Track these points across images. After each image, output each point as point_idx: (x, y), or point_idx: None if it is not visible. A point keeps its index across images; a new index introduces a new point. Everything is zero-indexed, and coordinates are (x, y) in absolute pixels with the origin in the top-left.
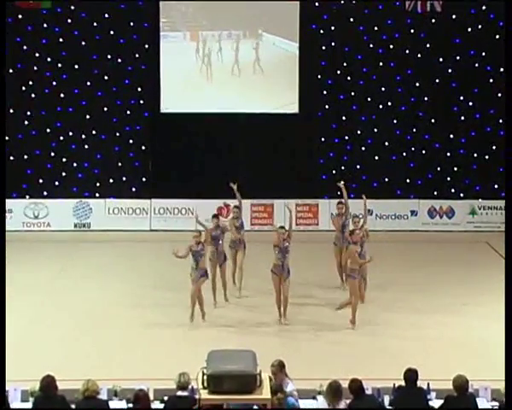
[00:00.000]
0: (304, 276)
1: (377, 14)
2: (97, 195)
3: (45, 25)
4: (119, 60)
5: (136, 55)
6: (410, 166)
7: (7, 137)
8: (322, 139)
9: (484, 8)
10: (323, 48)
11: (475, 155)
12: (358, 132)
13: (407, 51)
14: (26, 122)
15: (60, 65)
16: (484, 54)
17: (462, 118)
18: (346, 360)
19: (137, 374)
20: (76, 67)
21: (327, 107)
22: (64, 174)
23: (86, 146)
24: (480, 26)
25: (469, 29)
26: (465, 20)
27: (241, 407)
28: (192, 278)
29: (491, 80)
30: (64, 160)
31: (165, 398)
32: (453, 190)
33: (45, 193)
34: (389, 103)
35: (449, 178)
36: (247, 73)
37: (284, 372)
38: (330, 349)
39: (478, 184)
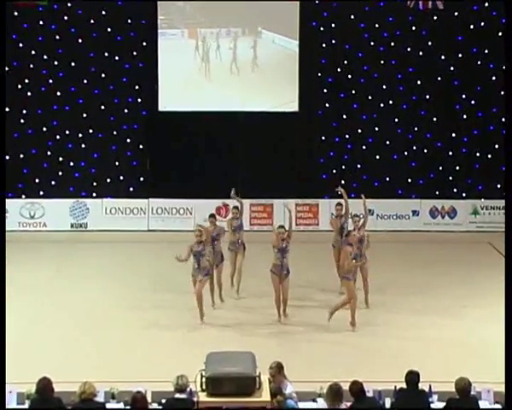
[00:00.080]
0: (304, 277)
1: (378, 12)
2: (94, 194)
3: (41, 22)
4: (117, 57)
5: (134, 53)
6: (412, 166)
7: None
8: (323, 138)
9: (486, 5)
10: (324, 45)
11: (478, 154)
12: (359, 131)
13: (408, 49)
14: (22, 121)
15: (56, 63)
16: (486, 51)
17: (465, 116)
18: (347, 362)
19: (135, 376)
20: (73, 64)
21: (327, 105)
22: (60, 174)
23: (83, 145)
24: (482, 24)
25: (472, 26)
26: (467, 18)
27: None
28: (195, 278)
29: (493, 78)
30: (60, 159)
31: (163, 401)
32: (455, 190)
33: (41, 193)
34: (390, 102)
35: (451, 178)
36: (246, 71)
37: (283, 374)
38: (330, 351)
39: (480, 183)
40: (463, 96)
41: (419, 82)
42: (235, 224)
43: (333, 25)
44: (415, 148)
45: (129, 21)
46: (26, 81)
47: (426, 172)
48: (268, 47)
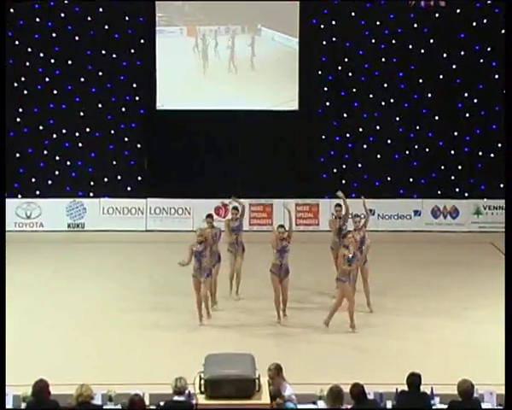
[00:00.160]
0: (303, 277)
1: (379, 9)
2: (91, 194)
3: (38, 19)
4: (114, 55)
5: (132, 51)
6: (414, 165)
7: None
8: (323, 137)
9: (489, 1)
10: (324, 43)
11: (480, 153)
12: (360, 130)
13: (410, 46)
14: (18, 119)
15: (53, 60)
16: (489, 49)
17: (467, 115)
18: (347, 364)
19: (133, 377)
20: (69, 62)
21: (327, 104)
22: (57, 173)
23: (80, 144)
24: (485, 21)
25: (474, 23)
26: (469, 15)
27: None
28: (197, 278)
29: (496, 76)
30: (57, 158)
31: (162, 403)
32: (457, 190)
33: (38, 192)
34: (392, 100)
35: (453, 177)
36: (245, 69)
37: (282, 376)
38: (330, 353)
39: (483, 183)
40: (466, 95)
41: (421, 80)
42: (233, 225)
43: (333, 22)
44: (416, 147)
45: (126, 19)
46: (23, 79)
47: (428, 171)
48: (268, 44)
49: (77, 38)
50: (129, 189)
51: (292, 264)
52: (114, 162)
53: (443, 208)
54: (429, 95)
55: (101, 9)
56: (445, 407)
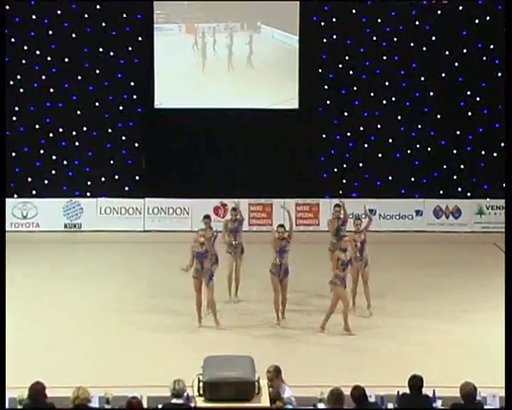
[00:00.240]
0: (303, 278)
1: (380, 6)
2: (88, 194)
3: (34, 16)
4: (112, 53)
5: (129, 49)
6: (415, 164)
7: None
8: (324, 136)
9: None
10: (324, 40)
11: (483, 152)
12: (361, 129)
13: (412, 44)
14: (14, 118)
15: (49, 58)
16: (492, 47)
17: (470, 114)
18: (347, 366)
19: (131, 380)
20: (66, 60)
21: (328, 102)
22: (54, 172)
23: (77, 143)
24: (487, 18)
25: (477, 21)
26: (472, 12)
27: None
28: (198, 280)
29: (499, 74)
30: (54, 157)
31: (160, 406)
32: (460, 189)
33: (34, 192)
34: (393, 98)
35: (455, 177)
36: (244, 67)
37: (281, 378)
38: (330, 355)
39: (485, 182)
40: (468, 93)
41: (422, 78)
42: (232, 226)
43: (334, 19)
44: (418, 146)
45: (124, 16)
46: (19, 77)
47: (429, 170)
48: (267, 42)
49: (73, 35)
50: (126, 188)
51: (292, 265)
52: (112, 162)
53: (445, 208)
54: (431, 93)
55: (98, 6)
56: (448, 409)
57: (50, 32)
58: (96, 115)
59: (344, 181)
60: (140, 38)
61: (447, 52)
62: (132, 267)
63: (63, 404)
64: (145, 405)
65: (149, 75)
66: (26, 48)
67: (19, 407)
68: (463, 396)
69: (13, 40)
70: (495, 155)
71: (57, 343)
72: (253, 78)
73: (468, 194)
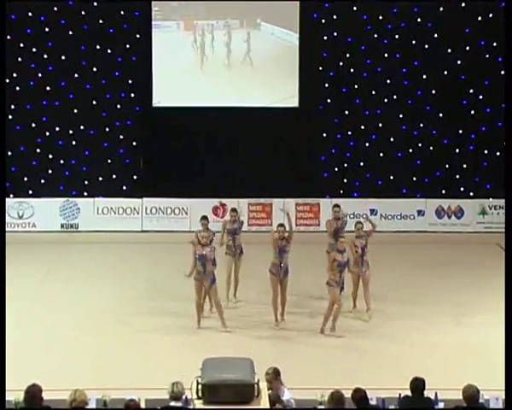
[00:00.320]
0: (303, 279)
1: (382, 3)
2: (85, 194)
3: (30, 13)
4: (109, 51)
5: (127, 46)
6: (417, 164)
7: None
8: (324, 135)
9: None
10: (325, 38)
11: (486, 151)
12: (362, 128)
13: (413, 42)
14: (10, 116)
15: (46, 56)
16: (495, 44)
17: (472, 112)
18: (348, 368)
19: (129, 382)
20: (63, 58)
21: (329, 100)
22: (50, 172)
23: (74, 142)
24: (490, 15)
25: (479, 18)
26: (475, 9)
27: None
28: (200, 282)
29: (502, 72)
30: (50, 156)
31: (158, 408)
32: (462, 189)
33: (30, 192)
34: (394, 97)
35: (458, 176)
36: (244, 65)
37: (279, 380)
38: (330, 357)
39: (488, 182)
40: (471, 91)
41: (424, 76)
42: (230, 227)
43: (334, 16)
44: (420, 145)
45: (122, 13)
46: (15, 75)
47: (431, 170)
48: (267, 39)
49: (70, 32)
50: (124, 188)
51: (292, 265)
52: (109, 161)
53: (447, 208)
54: (433, 91)
55: (95, 4)
56: None
57: (47, 30)
58: (94, 114)
59: (345, 181)
60: (138, 36)
61: (449, 50)
62: (130, 268)
63: (60, 407)
64: (143, 407)
65: (147, 73)
66: (22, 45)
67: None
68: (466, 399)
69: (9, 37)
70: (498, 154)
71: (55, 345)
72: (252, 76)
73: (471, 194)
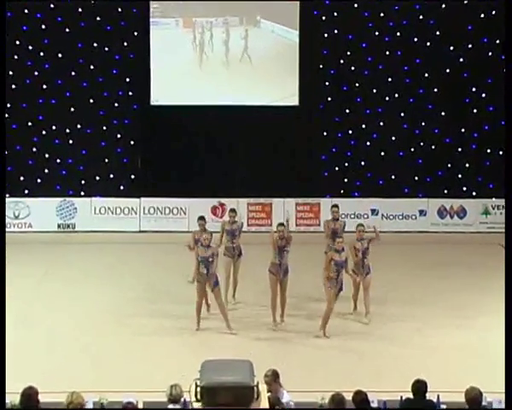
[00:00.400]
0: (303, 279)
1: (383, 0)
2: (82, 193)
3: (26, 10)
4: (106, 48)
5: (125, 44)
6: (419, 163)
7: None
8: (325, 134)
9: None
10: (325, 35)
11: (488, 150)
12: (363, 126)
13: (415, 39)
14: (6, 115)
15: (42, 54)
16: (497, 42)
17: (475, 111)
18: (348, 370)
19: (126, 385)
20: (59, 56)
21: (329, 99)
22: (47, 171)
23: (71, 141)
24: (493, 12)
25: (482, 15)
26: (477, 6)
27: None
28: (201, 284)
29: (505, 70)
30: (47, 156)
31: None
32: (465, 189)
33: (26, 191)
34: (396, 95)
35: (460, 176)
36: (243, 63)
37: (278, 382)
38: (330, 359)
39: (491, 181)
40: (473, 89)
41: (426, 74)
42: (229, 227)
43: (335, 13)
44: (422, 144)
45: (119, 10)
46: (11, 73)
47: (433, 169)
48: (267, 37)
49: (67, 30)
50: (122, 188)
51: (292, 265)
52: (106, 160)
53: (449, 208)
54: (435, 90)
55: (92, 0)
56: None
57: (43, 27)
58: (91, 112)
59: (345, 180)
60: (136, 33)
61: (452, 47)
62: (128, 269)
63: (57, 409)
64: None
65: (145, 71)
66: (18, 43)
67: None
68: (468, 401)
69: None
70: (501, 153)
71: (53, 347)
72: (252, 74)
73: (474, 193)
